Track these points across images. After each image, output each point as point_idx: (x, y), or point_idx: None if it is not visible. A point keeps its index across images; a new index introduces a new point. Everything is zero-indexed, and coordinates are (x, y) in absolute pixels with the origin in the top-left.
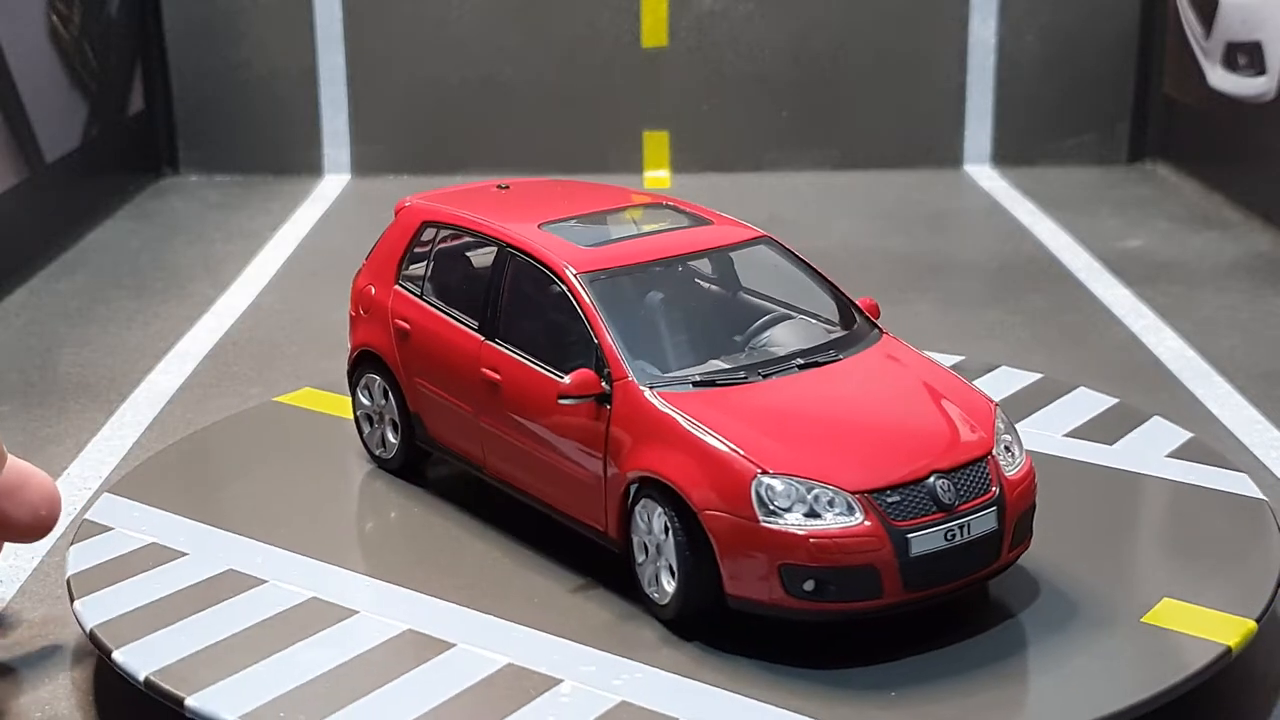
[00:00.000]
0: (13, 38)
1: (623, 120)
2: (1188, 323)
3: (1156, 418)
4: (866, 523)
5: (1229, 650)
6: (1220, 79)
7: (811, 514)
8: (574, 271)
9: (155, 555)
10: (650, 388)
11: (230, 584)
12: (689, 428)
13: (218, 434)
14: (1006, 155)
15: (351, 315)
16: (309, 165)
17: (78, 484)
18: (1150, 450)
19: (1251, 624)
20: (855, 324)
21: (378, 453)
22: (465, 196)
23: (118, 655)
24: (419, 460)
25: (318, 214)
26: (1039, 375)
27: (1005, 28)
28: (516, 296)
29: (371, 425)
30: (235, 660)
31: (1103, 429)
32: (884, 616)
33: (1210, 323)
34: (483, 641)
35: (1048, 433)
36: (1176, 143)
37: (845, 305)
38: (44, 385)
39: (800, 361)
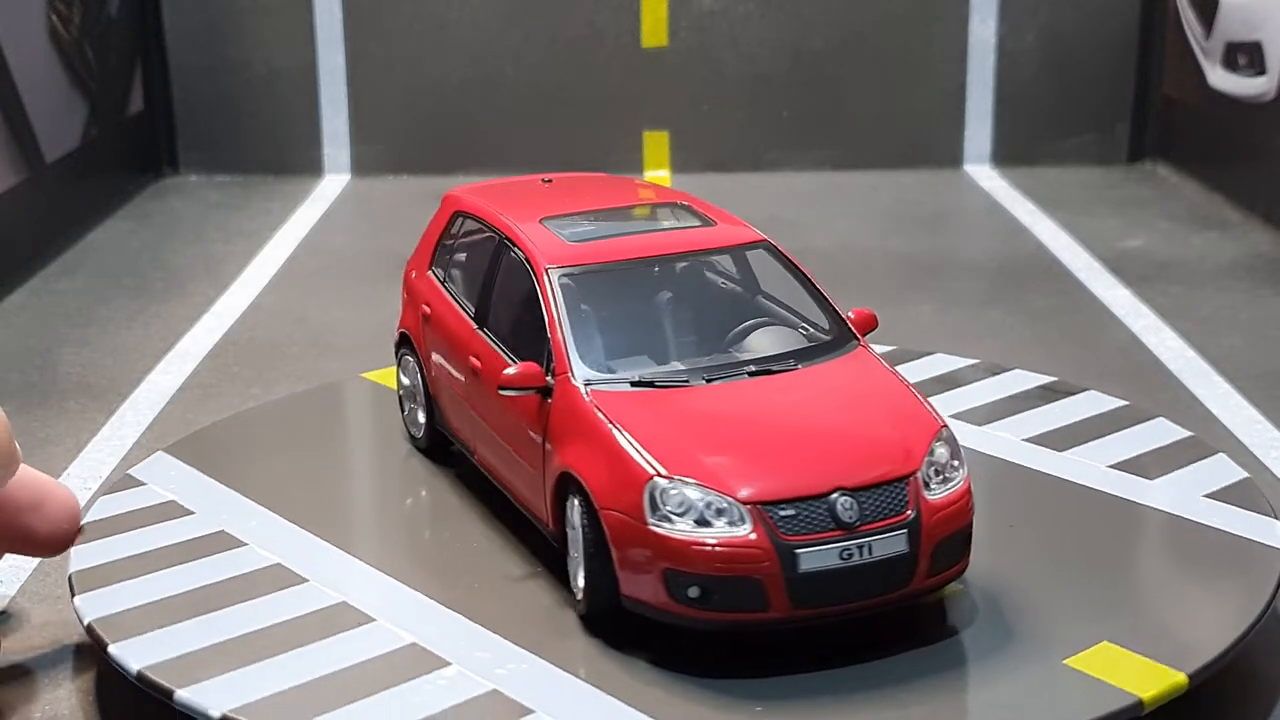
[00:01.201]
0: (13, 38)
1: (623, 120)
2: (1188, 323)
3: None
4: (753, 535)
5: (1140, 703)
6: (1220, 79)
7: (702, 521)
8: (546, 265)
9: (168, 511)
10: (586, 384)
11: (219, 542)
12: (606, 426)
13: (297, 404)
14: (1006, 155)
15: (402, 298)
16: (309, 165)
17: (78, 484)
18: (1180, 480)
19: (1182, 679)
20: (833, 334)
21: (412, 431)
22: (500, 189)
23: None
24: (446, 442)
25: (318, 214)
26: (1052, 378)
27: (1005, 28)
28: (504, 287)
29: (407, 406)
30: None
31: (1141, 463)
32: (778, 631)
33: (1210, 323)
34: (402, 619)
35: (1092, 462)
36: (1176, 143)
37: (830, 314)
38: (44, 385)
39: (752, 369)
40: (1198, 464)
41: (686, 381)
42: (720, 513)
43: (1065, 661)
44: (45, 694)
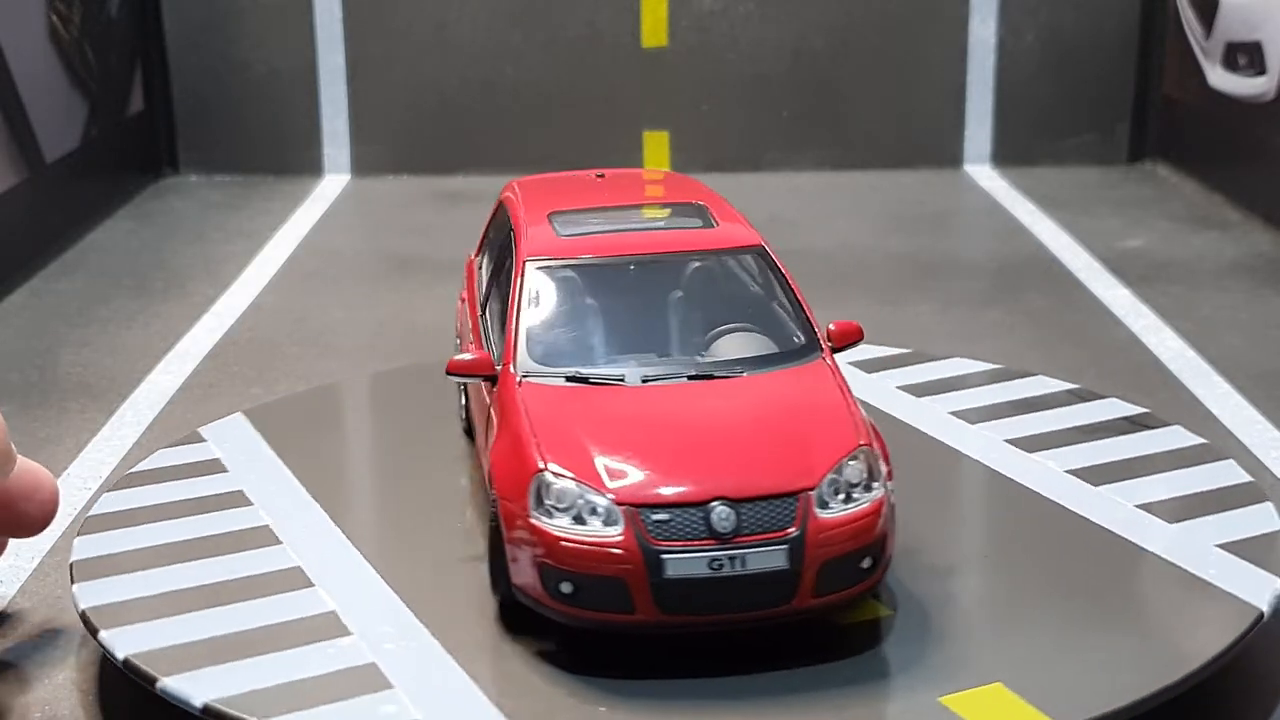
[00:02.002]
0: (13, 38)
1: (623, 120)
2: (1188, 323)
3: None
4: (621, 536)
5: None
6: (1220, 79)
7: (579, 518)
8: (526, 257)
9: (206, 468)
10: (524, 376)
11: (231, 500)
12: (520, 417)
13: (386, 381)
14: (1006, 155)
15: None
16: (309, 165)
17: (77, 484)
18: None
19: None
20: (799, 344)
21: (461, 414)
22: (545, 182)
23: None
24: None
25: (318, 214)
26: (1075, 386)
27: (1005, 28)
28: (503, 276)
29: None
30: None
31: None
32: (652, 635)
33: (1210, 323)
34: (338, 588)
35: (1119, 500)
36: (1176, 143)
37: (801, 324)
38: (44, 385)
39: (691, 373)
40: (1231, 512)
41: (622, 380)
42: (595, 512)
43: (940, 699)
44: (45, 693)
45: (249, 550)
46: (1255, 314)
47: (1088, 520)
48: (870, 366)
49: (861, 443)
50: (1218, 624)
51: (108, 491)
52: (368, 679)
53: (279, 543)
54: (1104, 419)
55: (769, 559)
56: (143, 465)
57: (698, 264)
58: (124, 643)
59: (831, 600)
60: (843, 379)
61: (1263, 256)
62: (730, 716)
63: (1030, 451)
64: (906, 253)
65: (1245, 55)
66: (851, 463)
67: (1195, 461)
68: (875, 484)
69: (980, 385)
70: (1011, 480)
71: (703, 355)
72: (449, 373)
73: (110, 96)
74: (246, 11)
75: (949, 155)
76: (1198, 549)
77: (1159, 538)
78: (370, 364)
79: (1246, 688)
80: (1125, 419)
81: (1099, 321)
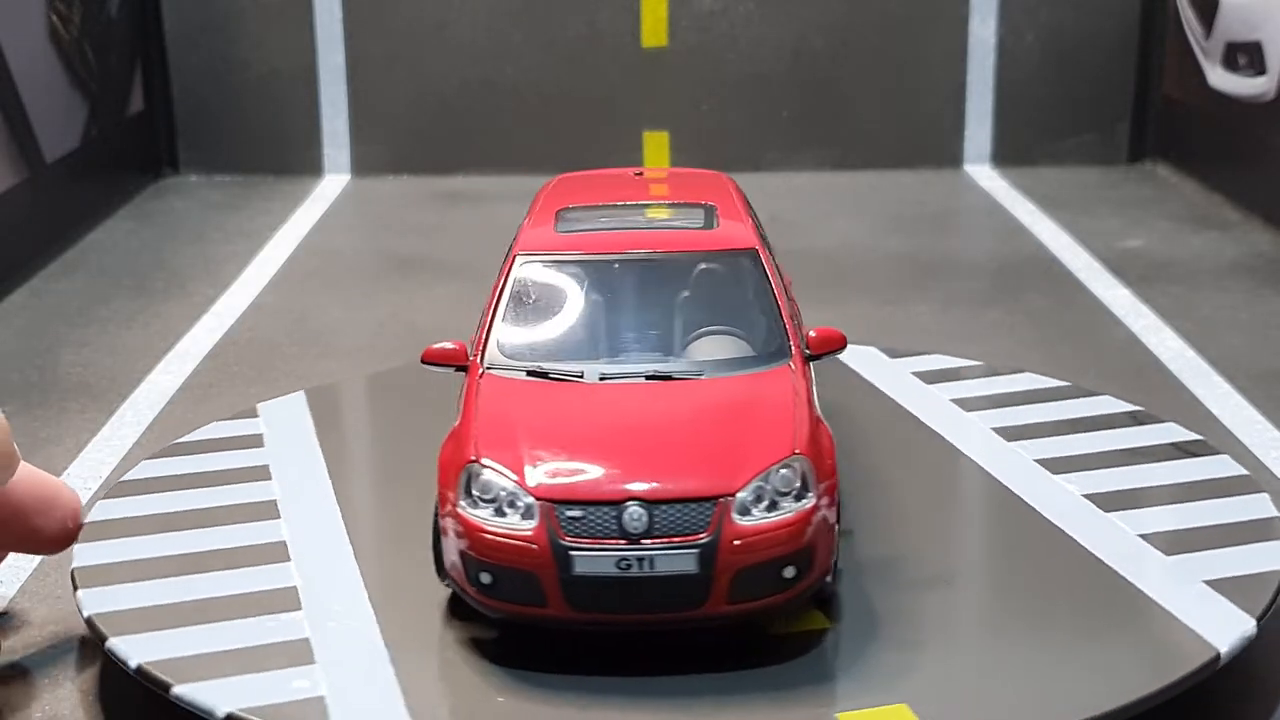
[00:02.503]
0: (13, 38)
1: (623, 120)
2: (1188, 323)
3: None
4: (534, 530)
5: None
6: (1220, 79)
7: (500, 510)
8: (518, 252)
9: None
10: (488, 368)
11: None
12: (471, 408)
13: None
14: (1006, 155)
15: None
16: (309, 165)
17: (77, 484)
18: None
19: None
20: (769, 349)
21: None
22: (580, 179)
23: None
24: None
25: (318, 214)
26: (1137, 408)
27: (1005, 28)
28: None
29: None
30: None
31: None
32: (565, 630)
33: (1210, 323)
34: (310, 565)
35: (1125, 527)
36: (1176, 143)
37: (776, 328)
38: (44, 385)
39: (649, 373)
40: (1242, 547)
41: (581, 377)
42: (514, 505)
43: (837, 715)
44: (45, 693)
45: (249, 522)
46: (1255, 314)
47: (1081, 547)
48: (931, 378)
49: (797, 451)
50: (1167, 661)
51: (148, 459)
52: (294, 653)
53: (277, 517)
54: (1151, 443)
55: (679, 562)
56: (193, 436)
57: (686, 264)
58: (93, 602)
59: (750, 608)
60: (805, 386)
61: (1263, 256)
62: (610, 714)
63: (1055, 472)
64: (906, 253)
65: (1245, 55)
66: (782, 471)
67: (1230, 492)
68: (807, 494)
69: (1036, 403)
70: (1020, 500)
71: (674, 356)
72: (423, 361)
73: (110, 96)
74: (246, 11)
75: (949, 155)
76: (1183, 584)
77: (1148, 569)
78: (370, 364)
79: (1247, 688)
80: (1174, 444)
81: (1099, 321)
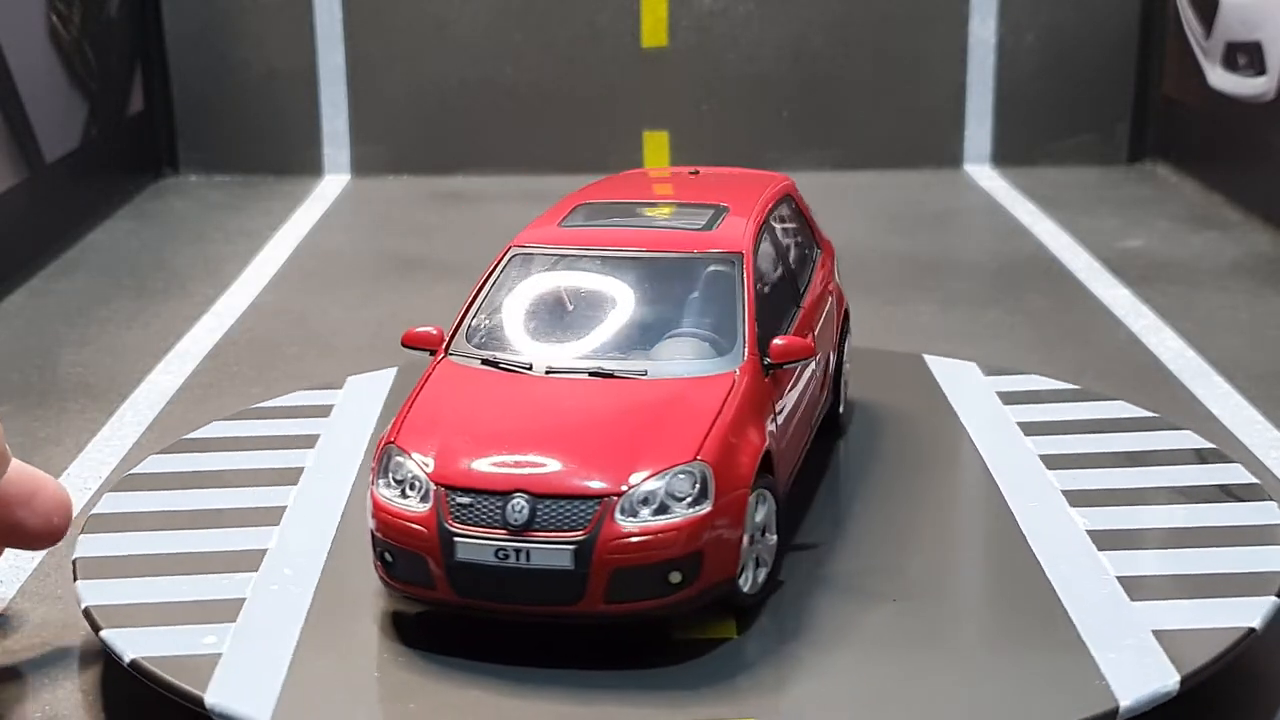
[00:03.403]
0: (13, 38)
1: (623, 120)
2: (1188, 323)
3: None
4: (425, 514)
5: None
6: (1220, 79)
7: (404, 493)
8: (513, 245)
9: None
10: (449, 354)
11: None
12: (416, 391)
13: None
14: (1006, 155)
15: None
16: (309, 165)
17: (77, 484)
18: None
19: None
20: (724, 353)
21: None
22: (626, 177)
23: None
24: None
25: (318, 214)
26: (1211, 446)
27: (1005, 28)
28: None
29: None
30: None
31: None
32: (453, 613)
33: (1210, 323)
34: (291, 531)
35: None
36: (1176, 143)
37: (736, 334)
38: (44, 385)
39: (592, 369)
40: (1217, 599)
41: (529, 369)
42: (415, 488)
43: None
44: (45, 693)
45: (269, 486)
46: (1255, 314)
47: (1048, 584)
48: (1014, 398)
49: (698, 458)
50: (1061, 707)
51: (218, 420)
52: (222, 611)
53: (294, 484)
54: (1201, 482)
55: (554, 558)
56: (273, 402)
57: (666, 265)
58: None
59: (629, 609)
60: (746, 395)
61: (1263, 256)
62: (465, 702)
63: (1074, 505)
64: (906, 253)
65: (1245, 55)
66: (679, 476)
67: (1250, 541)
68: (703, 501)
69: (1105, 432)
70: (1018, 531)
71: (627, 354)
72: (403, 344)
73: (110, 96)
74: (246, 11)
75: (949, 155)
76: (1127, 632)
77: (1100, 614)
78: (370, 364)
79: (1249, 688)
80: (1220, 486)
81: (1099, 321)
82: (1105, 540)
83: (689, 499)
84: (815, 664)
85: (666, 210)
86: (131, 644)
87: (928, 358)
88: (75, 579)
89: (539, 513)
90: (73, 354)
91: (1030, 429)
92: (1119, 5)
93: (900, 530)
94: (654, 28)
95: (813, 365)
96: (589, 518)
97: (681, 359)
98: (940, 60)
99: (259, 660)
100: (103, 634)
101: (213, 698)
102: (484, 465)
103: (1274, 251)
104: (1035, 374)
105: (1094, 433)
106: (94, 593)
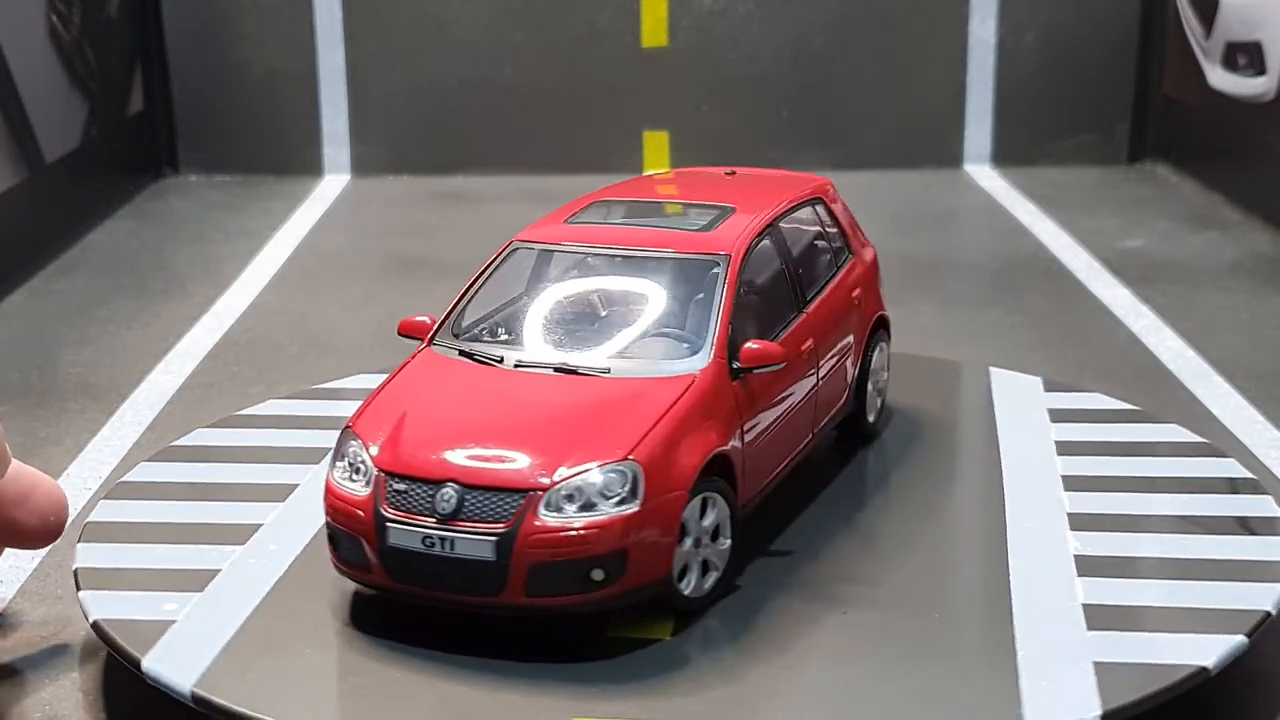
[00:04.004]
0: (13, 38)
1: (623, 120)
2: (1188, 323)
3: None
4: (364, 498)
5: None
6: (1220, 79)
7: (351, 477)
8: (514, 239)
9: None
10: (430, 344)
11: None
12: (388, 379)
13: None
14: (1006, 155)
15: None
16: (309, 165)
17: (77, 485)
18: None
19: None
20: (689, 355)
21: None
22: (663, 176)
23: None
24: None
25: (318, 214)
26: (1249, 476)
27: (1005, 28)
28: None
29: None
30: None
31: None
32: (388, 597)
33: (1210, 323)
34: (295, 507)
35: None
36: (1176, 143)
37: (705, 337)
38: (44, 385)
39: (557, 365)
40: (1173, 635)
41: (500, 362)
42: (360, 472)
43: (573, 718)
44: (45, 693)
45: (296, 464)
46: (1255, 314)
47: (1012, 608)
48: (1064, 415)
49: (630, 457)
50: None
51: (276, 400)
52: (192, 581)
53: (315, 464)
54: (1222, 513)
55: (476, 548)
56: (337, 383)
57: (653, 264)
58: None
59: (549, 604)
60: (699, 397)
61: (1263, 256)
62: (387, 681)
63: (1074, 528)
64: (906, 253)
65: (1245, 55)
66: (607, 474)
67: (1240, 576)
68: (632, 501)
69: (1145, 456)
70: (1005, 551)
71: (596, 351)
72: (399, 332)
73: (110, 96)
74: (246, 11)
75: (949, 155)
76: (1070, 663)
77: (1048, 641)
78: (370, 364)
79: (1252, 688)
80: (1239, 518)
81: (1099, 321)
82: (1090, 566)
83: (617, 498)
84: (731, 670)
85: (674, 210)
86: (99, 606)
87: (993, 370)
88: (79, 541)
89: (466, 503)
90: (73, 354)
91: (1066, 448)
92: (1119, 5)
93: (884, 541)
94: (654, 28)
95: (816, 373)
96: (512, 511)
97: (647, 359)
98: (940, 60)
99: (205, 630)
100: (80, 594)
101: (149, 662)
102: (422, 454)
103: (1274, 251)
104: (1097, 393)
105: (1131, 456)
106: (86, 556)
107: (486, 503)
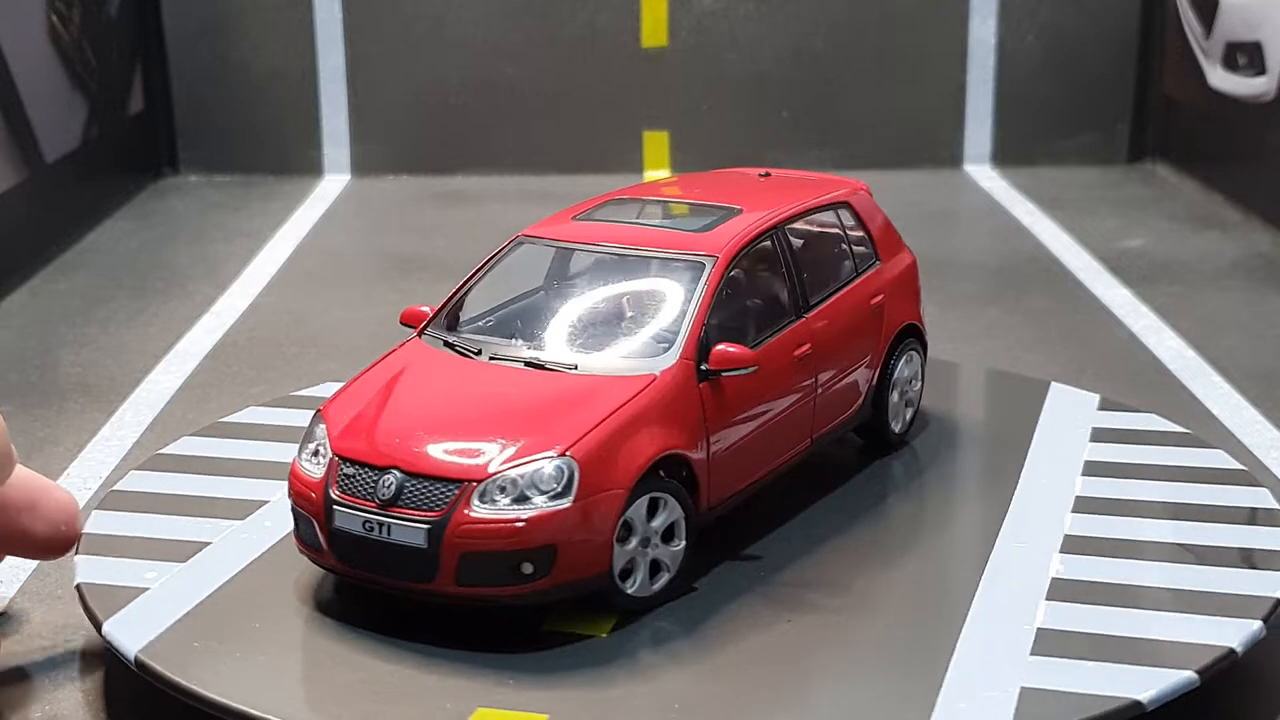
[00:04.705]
0: (13, 38)
1: (623, 120)
2: (1188, 323)
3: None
4: (318, 480)
5: None
6: (1220, 79)
7: (312, 459)
8: (520, 234)
9: None
10: (420, 334)
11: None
12: (370, 366)
13: None
14: (1006, 155)
15: None
16: (309, 165)
17: (77, 485)
18: None
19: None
20: (656, 354)
21: None
22: (701, 176)
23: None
24: None
25: (318, 214)
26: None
27: (1005, 28)
28: None
29: None
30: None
31: None
32: (338, 578)
33: (1210, 323)
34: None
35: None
36: (1176, 143)
37: (673, 340)
38: (44, 385)
39: (528, 359)
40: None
41: (478, 354)
42: (319, 454)
43: (478, 709)
44: (45, 694)
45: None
46: (1255, 314)
47: (962, 627)
48: (1106, 435)
49: (566, 453)
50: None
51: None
52: (182, 552)
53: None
54: (1231, 544)
55: (410, 535)
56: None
57: (641, 263)
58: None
59: (479, 594)
60: (656, 397)
61: (1263, 256)
62: (321, 658)
63: (1065, 550)
64: None
65: (1245, 55)
66: (543, 469)
67: (1211, 610)
68: (565, 497)
69: (1173, 481)
70: (980, 570)
71: (571, 348)
72: (401, 321)
73: (110, 96)
74: (246, 11)
75: (949, 155)
76: (991, 688)
77: (984, 665)
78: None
79: (1253, 689)
80: (1243, 550)
81: (1099, 321)
82: (1063, 589)
83: (551, 492)
84: (646, 670)
85: (680, 210)
86: (86, 570)
87: (1054, 385)
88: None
89: (405, 490)
90: (73, 354)
91: (1094, 469)
92: (1119, 5)
93: (863, 550)
94: (654, 28)
95: (814, 379)
96: (446, 500)
97: (617, 356)
98: (940, 60)
99: (172, 599)
100: (75, 558)
101: (109, 626)
102: (372, 440)
103: (1274, 251)
104: (1153, 414)
105: (1159, 480)
106: (95, 523)
107: (424, 491)
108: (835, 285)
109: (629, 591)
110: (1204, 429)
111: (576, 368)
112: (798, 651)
